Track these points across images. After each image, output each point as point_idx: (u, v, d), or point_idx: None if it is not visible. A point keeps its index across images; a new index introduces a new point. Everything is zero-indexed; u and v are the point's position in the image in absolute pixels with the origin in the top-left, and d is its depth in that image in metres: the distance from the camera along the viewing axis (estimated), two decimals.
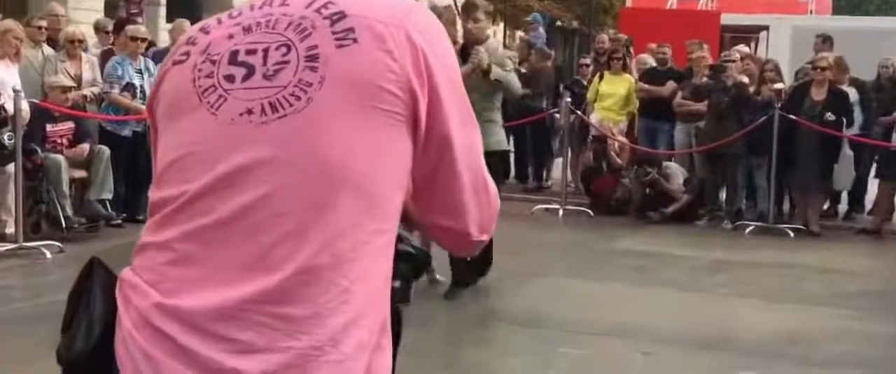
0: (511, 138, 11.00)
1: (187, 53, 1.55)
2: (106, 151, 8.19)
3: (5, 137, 7.31)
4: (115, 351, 1.48)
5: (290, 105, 1.44)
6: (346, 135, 1.43)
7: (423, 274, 6.75)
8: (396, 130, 1.46)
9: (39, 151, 7.75)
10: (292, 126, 1.43)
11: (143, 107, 8.70)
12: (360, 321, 1.45)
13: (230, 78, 1.49)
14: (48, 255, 7.23)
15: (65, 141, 8.14)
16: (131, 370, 1.45)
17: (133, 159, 8.76)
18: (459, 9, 7.48)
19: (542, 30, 17.27)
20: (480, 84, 6.23)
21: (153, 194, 1.53)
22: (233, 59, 1.51)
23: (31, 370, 4.69)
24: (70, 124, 8.18)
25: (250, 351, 1.40)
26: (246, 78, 1.48)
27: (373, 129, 1.45)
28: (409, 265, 1.75)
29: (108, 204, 8.30)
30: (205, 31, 1.57)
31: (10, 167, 7.41)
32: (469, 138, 1.56)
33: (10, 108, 7.32)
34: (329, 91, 1.44)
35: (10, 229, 7.54)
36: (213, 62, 1.52)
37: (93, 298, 1.55)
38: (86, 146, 8.16)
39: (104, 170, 8.13)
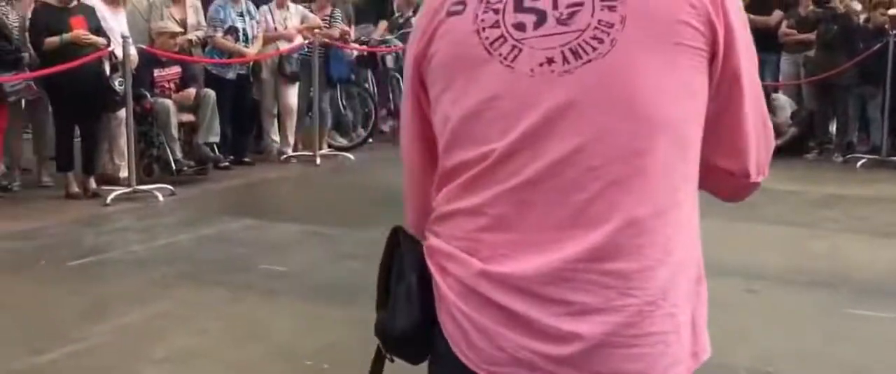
0: None
1: (462, 3, 1.45)
2: (212, 94, 8.35)
3: (116, 83, 7.50)
4: (440, 322, 1.44)
5: (593, 49, 1.35)
6: (655, 76, 1.35)
7: None
8: (699, 67, 1.38)
9: (148, 95, 7.95)
10: (598, 72, 1.35)
11: (247, 50, 8.85)
12: (683, 270, 1.40)
13: (520, 26, 1.39)
14: (160, 198, 7.45)
15: (172, 85, 8.32)
16: (460, 340, 1.42)
17: (238, 102, 8.92)
18: None
19: None
20: None
21: (449, 157, 1.45)
22: (518, 6, 1.40)
23: (148, 309, 4.87)
24: (177, 69, 8.35)
25: (585, 312, 1.34)
26: (538, 25, 1.38)
27: (678, 67, 1.36)
28: None
29: (215, 147, 8.48)
30: None
31: (122, 112, 7.63)
32: (754, 72, 1.46)
33: (119, 54, 7.51)
34: (632, 31, 1.35)
35: (123, 173, 7.78)
36: (497, 11, 1.41)
37: (405, 270, 1.51)
38: (192, 90, 8.33)
39: (211, 113, 8.30)
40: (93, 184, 7.60)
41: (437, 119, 1.47)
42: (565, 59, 1.36)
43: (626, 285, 1.34)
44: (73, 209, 7.16)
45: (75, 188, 7.54)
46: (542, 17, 1.38)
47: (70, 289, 5.23)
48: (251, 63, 8.94)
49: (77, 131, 7.70)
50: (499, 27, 1.40)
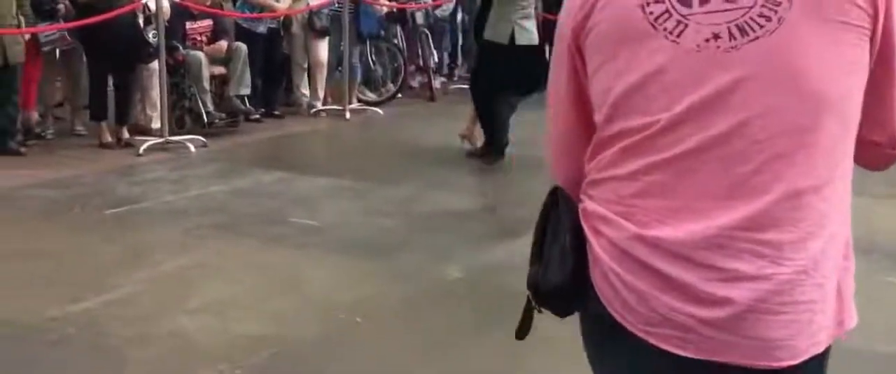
0: None
1: None
2: (243, 47, 8.37)
3: (150, 35, 7.54)
4: (593, 282, 1.51)
5: (761, 27, 1.40)
6: (822, 54, 1.40)
7: None
8: (862, 45, 1.43)
9: (180, 47, 7.98)
10: (765, 48, 1.39)
11: (278, 4, 8.85)
12: (834, 243, 1.45)
13: (685, 2, 1.44)
14: (192, 149, 7.51)
15: (204, 38, 8.35)
16: (614, 300, 1.48)
17: (269, 55, 8.95)
18: None
19: None
20: None
21: (609, 125, 1.50)
22: None
23: (182, 259, 4.94)
24: (209, 22, 8.36)
25: (738, 279, 1.40)
26: (704, 1, 1.43)
27: (843, 45, 1.41)
28: None
29: (246, 100, 8.52)
30: None
31: (154, 64, 7.67)
32: None
33: (152, 6, 7.53)
34: (799, 9, 1.40)
35: (156, 124, 7.84)
36: None
37: (560, 228, 1.58)
38: (224, 43, 8.35)
39: (242, 66, 8.33)
40: (126, 134, 7.67)
41: (596, 89, 1.53)
42: (731, 36, 1.41)
43: (778, 254, 1.40)
44: (107, 159, 7.24)
45: (108, 138, 7.62)
46: None
47: (105, 237, 5.31)
48: (282, 17, 8.94)
49: (110, 82, 7.76)
50: (663, 2, 1.45)
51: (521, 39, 7.15)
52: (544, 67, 8.16)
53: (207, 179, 6.72)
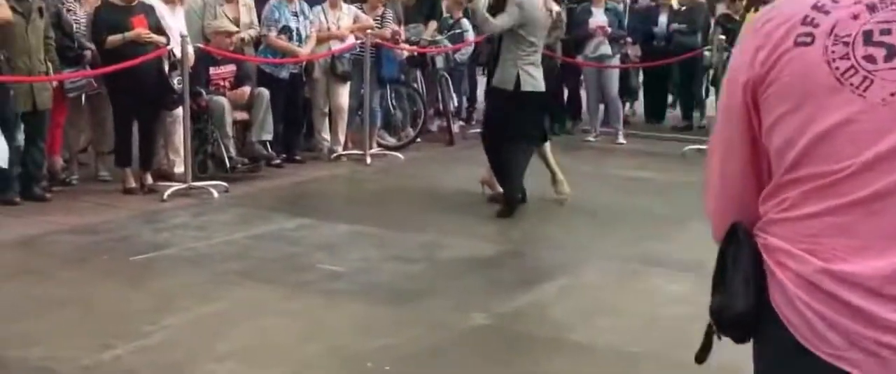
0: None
1: (811, 35, 1.61)
2: (266, 93, 8.45)
3: (175, 81, 7.64)
4: (776, 309, 1.65)
5: None
6: None
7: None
8: None
9: (204, 93, 8.07)
10: None
11: (300, 49, 8.95)
12: None
13: (870, 59, 1.56)
14: (215, 194, 7.57)
15: (227, 83, 8.43)
16: (800, 326, 1.61)
17: (291, 101, 9.02)
18: None
19: None
20: None
21: (792, 171, 1.64)
22: (867, 39, 1.57)
23: (209, 306, 4.98)
24: (232, 67, 8.46)
25: None
26: (888, 58, 1.55)
27: None
28: None
29: (268, 145, 8.59)
30: (821, 10, 1.63)
31: (178, 110, 7.76)
32: None
33: (178, 52, 7.64)
34: None
35: (179, 169, 7.91)
36: (846, 44, 1.58)
37: (741, 260, 1.72)
38: (247, 89, 8.44)
39: (264, 112, 8.40)
40: (149, 179, 7.74)
41: (775, 139, 1.66)
42: None
43: None
44: (131, 204, 7.31)
45: (132, 183, 7.69)
46: (891, 51, 1.55)
47: (132, 284, 5.35)
48: (304, 62, 9.04)
49: (134, 127, 7.84)
50: (849, 59, 1.57)
51: (526, 86, 7.20)
52: (549, 112, 8.21)
53: (231, 224, 6.77)
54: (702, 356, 1.86)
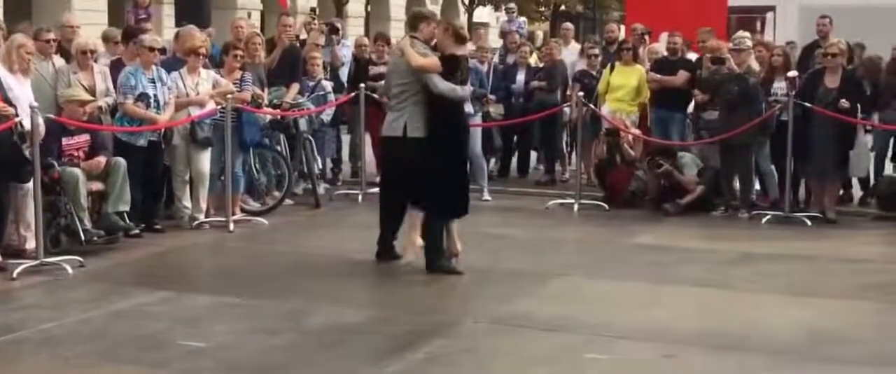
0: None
1: None
2: (122, 162, 8.21)
3: (26, 154, 7.33)
4: None
5: None
6: None
7: None
8: None
9: (56, 164, 7.78)
10: None
11: (158, 116, 8.74)
12: None
13: None
14: (69, 270, 7.25)
15: (81, 154, 8.16)
16: None
17: (149, 169, 8.78)
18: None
19: (519, 18, 17.57)
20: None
21: None
22: None
23: None
24: (86, 137, 8.20)
25: None
26: None
27: None
28: None
29: (125, 215, 8.32)
30: None
31: (29, 182, 7.44)
32: None
33: (27, 124, 7.34)
34: None
35: (30, 244, 7.58)
36: None
37: None
38: (102, 159, 8.18)
39: (121, 182, 8.15)
40: None
41: None
42: None
43: None
44: None
45: None
46: None
47: None
48: (162, 129, 8.82)
49: None
50: None
51: (414, 132, 7.28)
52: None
53: (86, 302, 6.50)
54: None
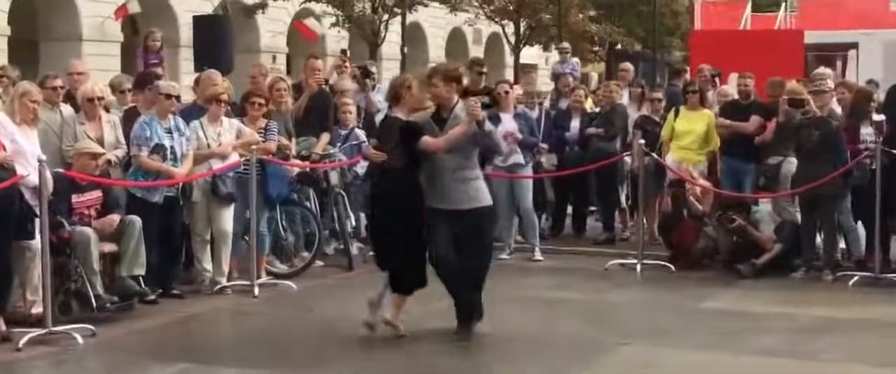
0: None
1: None
2: (137, 222, 8.31)
3: (35, 209, 7.43)
4: None
5: None
6: None
7: None
8: None
9: (66, 223, 7.90)
10: None
11: (176, 170, 8.85)
12: None
13: None
14: (80, 340, 7.33)
15: (93, 212, 8.29)
16: None
17: (166, 228, 8.88)
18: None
19: (573, 59, 17.79)
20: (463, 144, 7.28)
21: None
22: None
23: None
24: (98, 193, 8.33)
25: None
26: None
27: None
28: None
29: (140, 279, 8.41)
30: None
31: (36, 243, 7.55)
32: None
33: (34, 179, 7.46)
34: None
35: (37, 311, 7.67)
36: None
37: None
38: (115, 217, 8.30)
39: (136, 243, 8.25)
40: (2, 325, 7.46)
41: None
42: None
43: None
44: None
45: None
46: None
47: None
48: (181, 184, 8.94)
49: None
50: None
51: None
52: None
53: None
54: None
